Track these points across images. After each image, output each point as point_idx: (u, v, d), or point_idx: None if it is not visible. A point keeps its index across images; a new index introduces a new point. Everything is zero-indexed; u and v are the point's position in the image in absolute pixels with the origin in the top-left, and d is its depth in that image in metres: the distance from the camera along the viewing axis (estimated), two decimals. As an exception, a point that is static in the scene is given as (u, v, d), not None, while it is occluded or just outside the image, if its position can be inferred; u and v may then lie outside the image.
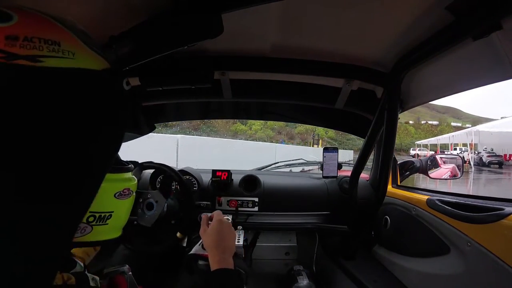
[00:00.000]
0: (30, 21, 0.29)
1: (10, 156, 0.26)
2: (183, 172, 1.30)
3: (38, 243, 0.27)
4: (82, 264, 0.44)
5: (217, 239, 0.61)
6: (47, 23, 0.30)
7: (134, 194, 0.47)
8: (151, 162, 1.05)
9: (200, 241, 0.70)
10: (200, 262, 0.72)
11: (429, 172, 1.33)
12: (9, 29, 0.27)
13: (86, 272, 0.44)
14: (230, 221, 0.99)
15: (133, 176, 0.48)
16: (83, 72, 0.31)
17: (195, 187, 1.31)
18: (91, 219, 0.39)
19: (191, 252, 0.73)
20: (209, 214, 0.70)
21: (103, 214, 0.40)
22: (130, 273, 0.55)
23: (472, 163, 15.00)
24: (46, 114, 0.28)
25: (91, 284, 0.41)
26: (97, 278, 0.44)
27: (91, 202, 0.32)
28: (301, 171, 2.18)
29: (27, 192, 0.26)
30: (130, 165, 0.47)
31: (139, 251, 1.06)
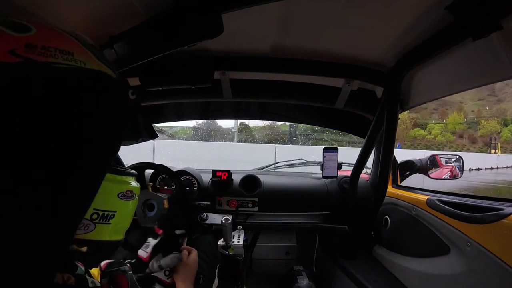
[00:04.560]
0: (47, 33, 0.32)
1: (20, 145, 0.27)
2: (183, 172, 1.30)
3: (37, 237, 0.28)
4: (83, 269, 0.45)
5: (193, 274, 0.79)
6: (62, 36, 0.34)
7: (137, 198, 0.49)
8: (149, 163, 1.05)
9: (164, 269, 0.78)
10: (157, 287, 0.76)
11: (429, 172, 1.33)
12: (28, 39, 0.30)
13: (86, 276, 0.44)
14: (230, 221, 1.00)
15: (137, 182, 0.49)
16: (96, 72, 0.34)
17: (195, 187, 1.31)
18: (94, 216, 0.40)
19: (153, 274, 0.77)
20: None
21: (106, 213, 0.41)
22: (131, 272, 0.55)
23: None
24: (59, 110, 0.29)
25: (90, 285, 0.42)
26: (96, 281, 0.45)
27: (92, 200, 0.33)
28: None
29: (31, 183, 0.27)
30: (133, 171, 0.49)
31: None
